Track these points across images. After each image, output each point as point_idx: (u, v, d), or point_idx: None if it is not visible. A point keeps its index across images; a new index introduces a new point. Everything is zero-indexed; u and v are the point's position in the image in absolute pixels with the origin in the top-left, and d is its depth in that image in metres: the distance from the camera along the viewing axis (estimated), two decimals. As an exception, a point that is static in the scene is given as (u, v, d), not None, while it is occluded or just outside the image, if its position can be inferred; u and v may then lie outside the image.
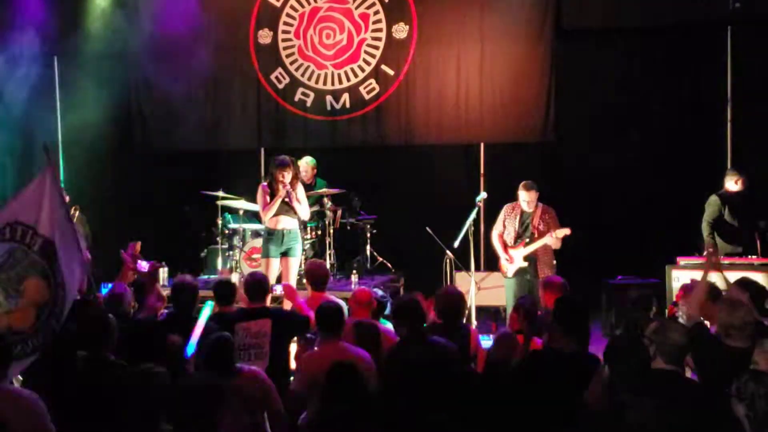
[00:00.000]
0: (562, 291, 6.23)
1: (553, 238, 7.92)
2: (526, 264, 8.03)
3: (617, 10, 9.79)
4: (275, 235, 8.21)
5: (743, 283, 5.41)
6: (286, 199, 8.10)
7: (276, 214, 8.16)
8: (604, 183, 9.89)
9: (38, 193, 5.17)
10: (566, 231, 7.88)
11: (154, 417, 4.39)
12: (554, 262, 8.08)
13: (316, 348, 5.34)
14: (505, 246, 8.16)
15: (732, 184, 8.42)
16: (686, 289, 6.66)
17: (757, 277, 7.74)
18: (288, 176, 8.08)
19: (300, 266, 8.55)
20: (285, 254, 8.23)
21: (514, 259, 8.07)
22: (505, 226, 8.22)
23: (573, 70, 10.05)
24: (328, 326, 5.17)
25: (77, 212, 9.01)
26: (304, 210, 8.30)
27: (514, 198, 8.23)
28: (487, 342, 5.98)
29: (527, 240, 8.03)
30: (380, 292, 6.79)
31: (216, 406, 3.94)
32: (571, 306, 4.94)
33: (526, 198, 8.07)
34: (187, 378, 4.84)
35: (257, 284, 6.02)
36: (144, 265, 6.47)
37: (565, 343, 4.68)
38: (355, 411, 4.06)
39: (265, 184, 8.26)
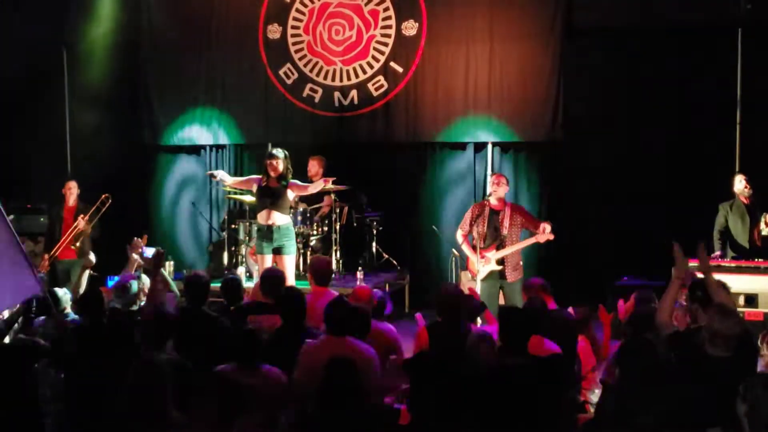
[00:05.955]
0: (544, 292, 6.19)
1: (534, 241, 7.67)
2: (499, 267, 7.62)
3: (627, 9, 9.74)
4: (263, 231, 7.86)
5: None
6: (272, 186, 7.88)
7: (263, 209, 7.86)
8: (612, 183, 9.86)
9: None
10: (550, 237, 7.56)
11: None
12: (521, 263, 7.76)
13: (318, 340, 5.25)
14: (474, 247, 7.68)
15: (738, 183, 8.36)
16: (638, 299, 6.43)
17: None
18: (279, 166, 7.82)
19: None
20: (278, 252, 7.83)
21: (489, 260, 7.60)
22: (471, 226, 7.72)
23: (582, 69, 10.00)
24: (335, 327, 5.00)
25: (83, 221, 8.69)
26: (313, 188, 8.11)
27: (521, 198, 8.16)
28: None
29: (498, 243, 7.61)
30: (380, 293, 6.76)
31: (234, 403, 3.95)
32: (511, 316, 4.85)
33: (498, 191, 7.66)
34: (209, 370, 4.85)
35: (273, 279, 6.04)
36: (148, 252, 6.49)
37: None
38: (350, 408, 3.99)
39: (260, 177, 8.08)
